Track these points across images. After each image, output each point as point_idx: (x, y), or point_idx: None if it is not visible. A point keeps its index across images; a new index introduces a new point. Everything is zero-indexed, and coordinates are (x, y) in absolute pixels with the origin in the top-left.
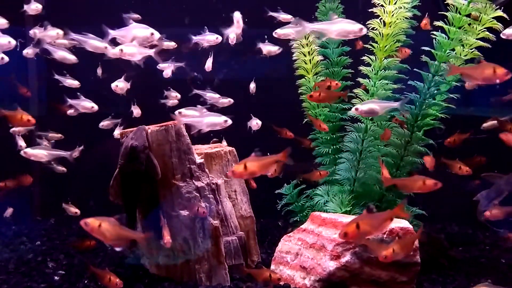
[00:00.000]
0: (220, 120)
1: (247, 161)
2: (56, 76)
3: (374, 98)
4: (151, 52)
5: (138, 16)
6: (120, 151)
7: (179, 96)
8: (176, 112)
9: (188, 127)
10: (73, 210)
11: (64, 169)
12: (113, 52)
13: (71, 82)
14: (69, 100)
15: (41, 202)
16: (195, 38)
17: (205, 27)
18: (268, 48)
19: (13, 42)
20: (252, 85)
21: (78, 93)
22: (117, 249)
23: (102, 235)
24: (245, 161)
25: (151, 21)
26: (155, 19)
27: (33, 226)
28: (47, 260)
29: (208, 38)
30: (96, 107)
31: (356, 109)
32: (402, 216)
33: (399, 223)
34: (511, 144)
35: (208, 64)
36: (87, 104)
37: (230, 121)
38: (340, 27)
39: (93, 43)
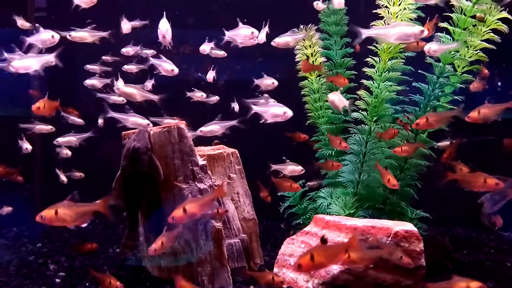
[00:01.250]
0: (281, 112)
1: (186, 204)
2: (99, 95)
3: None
4: (51, 58)
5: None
6: (122, 152)
7: (204, 95)
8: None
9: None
10: None
11: (82, 174)
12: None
13: (116, 99)
14: (113, 113)
15: (42, 203)
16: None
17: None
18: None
19: (57, 36)
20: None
21: (127, 106)
22: (83, 225)
23: (62, 220)
24: (183, 204)
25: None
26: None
27: (34, 228)
28: (48, 262)
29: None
30: (151, 125)
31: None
32: (356, 248)
33: (404, 226)
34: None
35: (210, 76)
36: (139, 121)
37: (289, 113)
38: (400, 30)
39: None
